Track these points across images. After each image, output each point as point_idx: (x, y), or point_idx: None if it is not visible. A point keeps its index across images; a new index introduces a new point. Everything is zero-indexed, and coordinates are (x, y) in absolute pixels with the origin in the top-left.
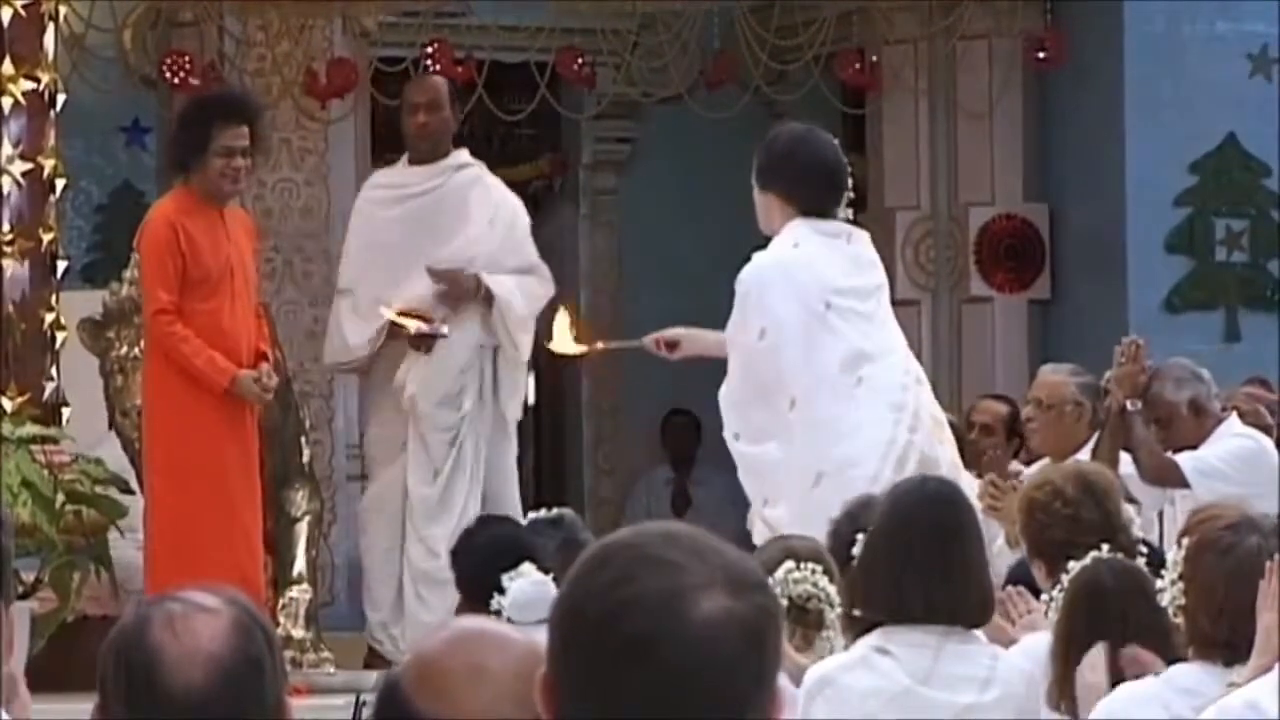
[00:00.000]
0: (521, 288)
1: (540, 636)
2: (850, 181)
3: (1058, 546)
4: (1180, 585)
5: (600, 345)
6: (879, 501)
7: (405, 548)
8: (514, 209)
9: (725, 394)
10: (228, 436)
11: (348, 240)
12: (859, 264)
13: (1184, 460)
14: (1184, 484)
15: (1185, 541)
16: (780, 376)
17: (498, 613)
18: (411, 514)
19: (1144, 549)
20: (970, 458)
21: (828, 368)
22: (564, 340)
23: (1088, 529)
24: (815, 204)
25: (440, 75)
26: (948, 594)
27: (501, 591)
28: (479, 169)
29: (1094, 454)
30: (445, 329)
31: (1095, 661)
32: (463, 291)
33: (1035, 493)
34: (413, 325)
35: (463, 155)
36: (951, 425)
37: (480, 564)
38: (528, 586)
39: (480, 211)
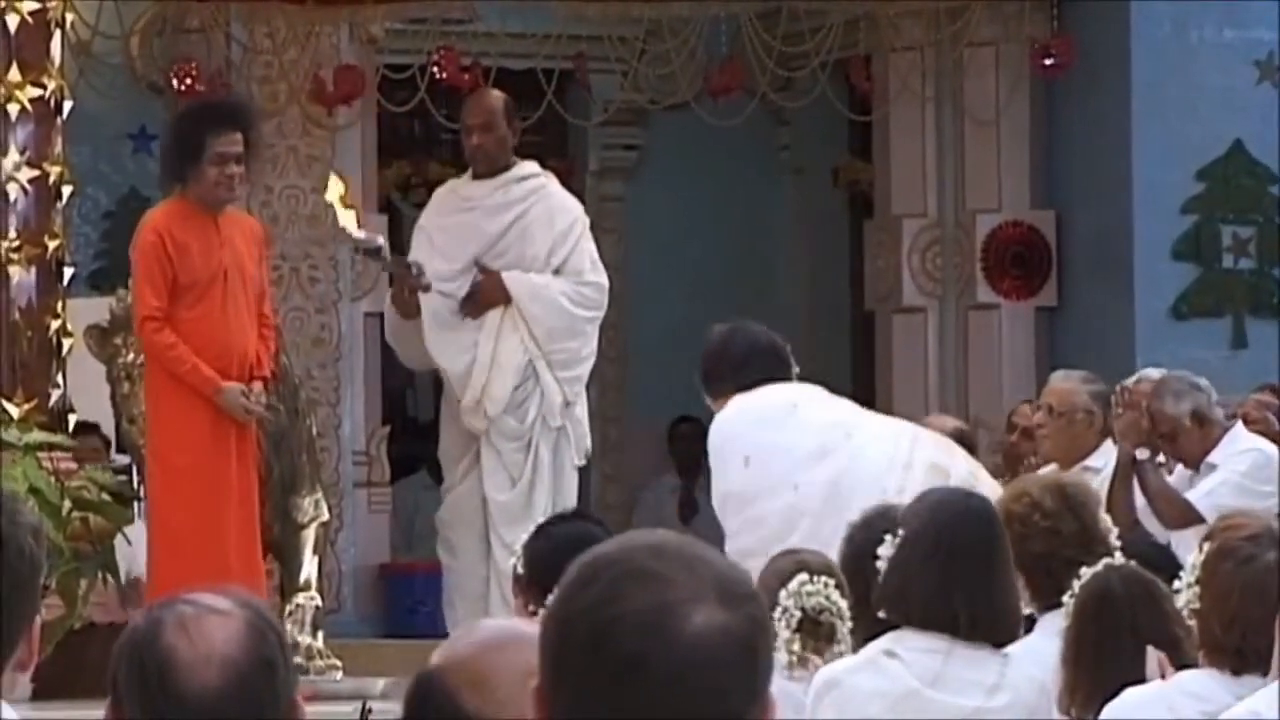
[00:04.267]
0: (536, 288)
1: None
2: (791, 356)
3: (1036, 559)
4: (1196, 589)
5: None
6: (898, 510)
7: (490, 554)
8: (570, 216)
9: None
10: (220, 444)
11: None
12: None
13: (1199, 501)
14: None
15: (1206, 546)
16: (779, 480)
17: None
18: (493, 521)
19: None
20: (1008, 461)
21: (816, 433)
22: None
23: (1067, 541)
24: (766, 381)
25: (495, 91)
26: (990, 611)
27: None
28: (543, 179)
29: (1108, 504)
30: (381, 240)
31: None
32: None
33: (1013, 505)
34: (350, 225)
35: (526, 167)
36: (961, 433)
37: (555, 554)
38: None
39: (538, 222)
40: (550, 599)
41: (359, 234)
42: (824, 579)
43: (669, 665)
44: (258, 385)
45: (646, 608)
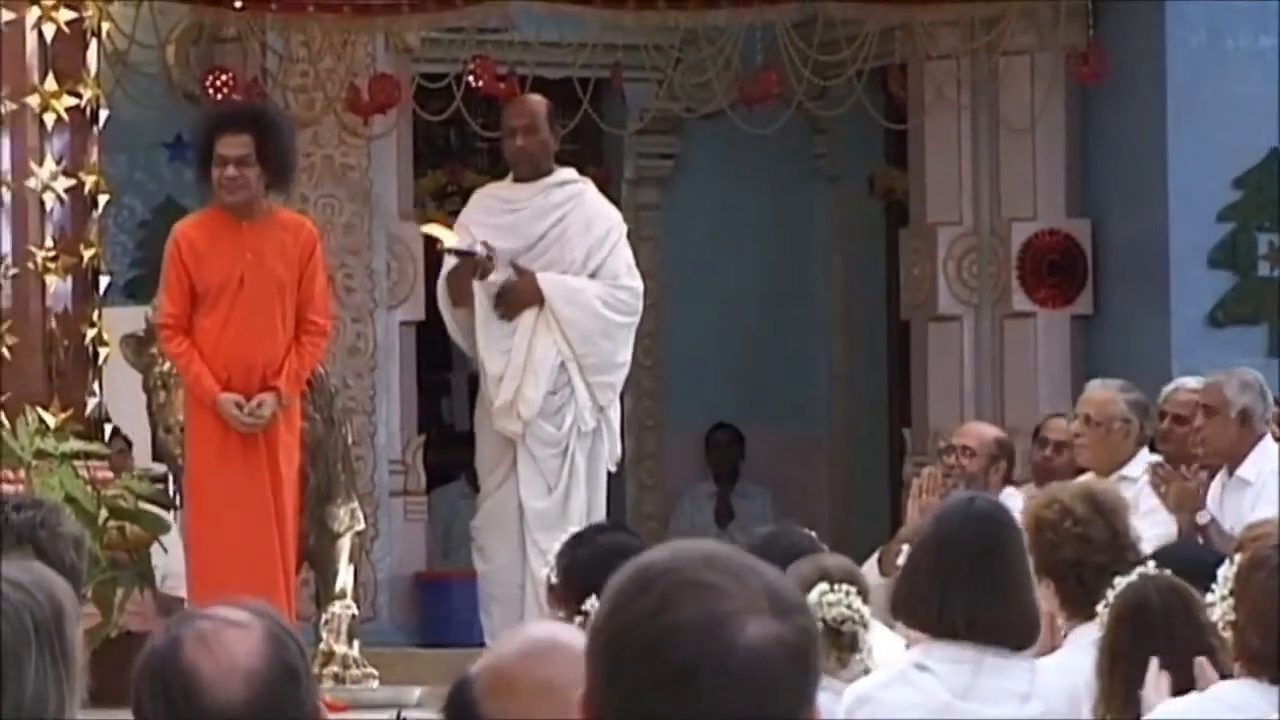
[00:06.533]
0: (571, 291)
1: None
2: None
3: (1067, 566)
4: (1230, 601)
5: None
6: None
7: (526, 561)
8: (608, 222)
9: None
10: (225, 451)
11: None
12: None
13: None
14: None
15: (1237, 558)
16: None
17: (587, 614)
18: (529, 527)
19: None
20: (1039, 476)
21: None
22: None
23: (1097, 548)
24: None
25: (536, 95)
26: (990, 612)
27: (600, 596)
28: (581, 184)
29: None
30: (479, 248)
31: (1157, 682)
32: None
33: (1044, 511)
34: (449, 239)
35: (565, 173)
36: (1000, 443)
37: (596, 562)
38: None
39: (576, 226)
40: (596, 606)
41: (460, 244)
42: (845, 586)
43: (723, 675)
44: (260, 398)
45: (701, 618)
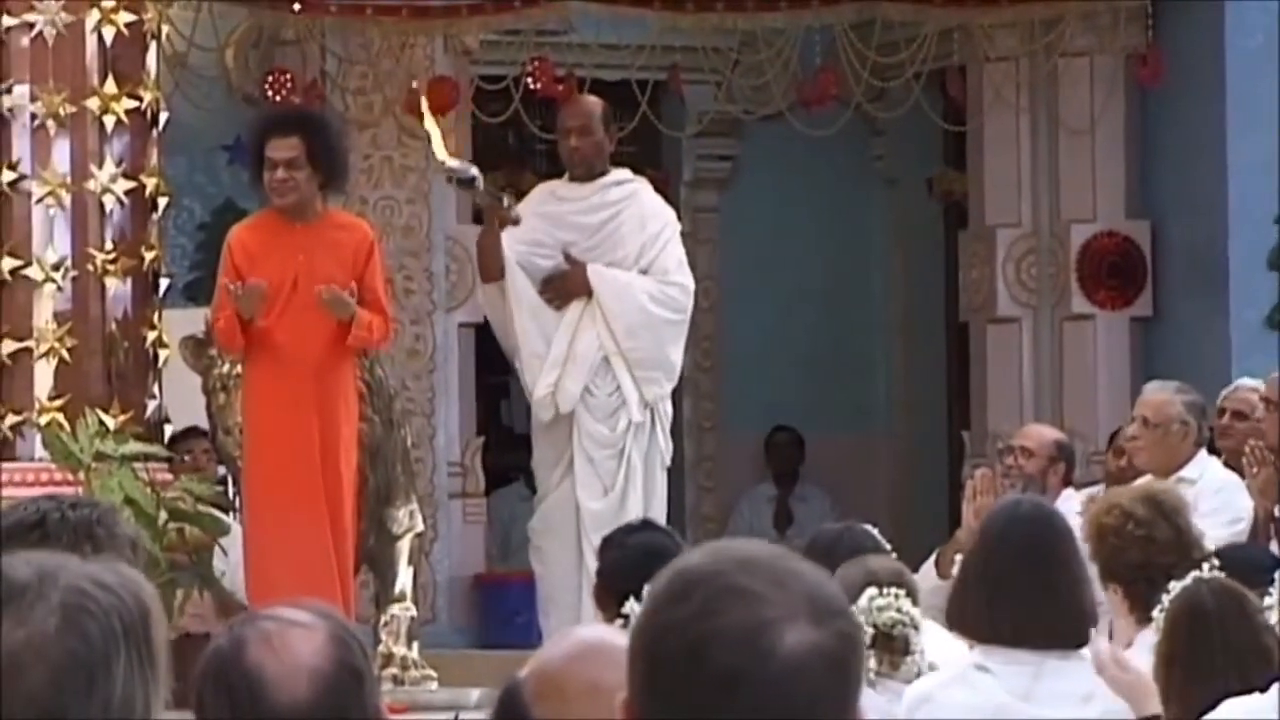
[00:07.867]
0: (619, 285)
1: None
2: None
3: (1134, 569)
4: None
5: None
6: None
7: (583, 562)
8: (661, 220)
9: None
10: (284, 452)
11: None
12: None
13: None
14: None
15: None
16: None
17: (627, 617)
18: (585, 529)
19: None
20: (1113, 483)
21: None
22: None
23: (1162, 548)
24: None
25: (591, 96)
26: (1040, 618)
27: (639, 598)
28: (636, 184)
29: None
30: (475, 171)
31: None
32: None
33: (1105, 518)
34: (440, 150)
35: (620, 173)
36: (1060, 445)
37: (627, 564)
38: None
39: (630, 224)
40: (637, 610)
41: (453, 162)
42: (894, 590)
43: (763, 684)
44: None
45: (741, 625)
